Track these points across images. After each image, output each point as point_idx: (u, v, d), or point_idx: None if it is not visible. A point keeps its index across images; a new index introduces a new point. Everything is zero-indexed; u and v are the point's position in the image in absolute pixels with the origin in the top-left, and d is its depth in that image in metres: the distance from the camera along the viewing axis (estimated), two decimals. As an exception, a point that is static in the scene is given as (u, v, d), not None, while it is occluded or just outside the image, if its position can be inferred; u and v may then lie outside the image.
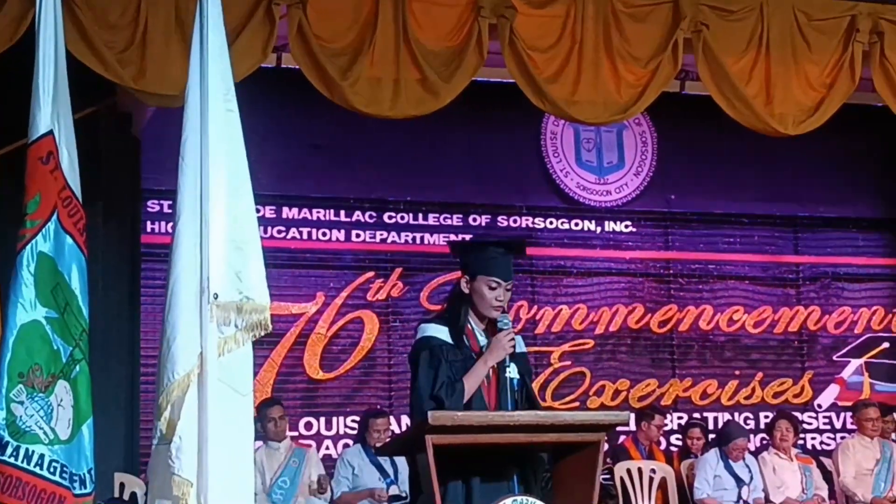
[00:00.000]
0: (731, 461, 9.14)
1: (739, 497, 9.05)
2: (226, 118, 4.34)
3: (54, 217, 4.39)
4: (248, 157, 4.40)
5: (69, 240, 4.42)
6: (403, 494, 8.51)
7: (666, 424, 10.23)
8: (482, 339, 4.94)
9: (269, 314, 4.26)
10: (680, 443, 10.46)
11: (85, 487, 4.39)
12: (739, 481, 9.08)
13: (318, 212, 10.22)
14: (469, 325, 4.96)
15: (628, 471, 9.32)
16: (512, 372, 4.84)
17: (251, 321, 4.21)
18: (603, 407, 10.49)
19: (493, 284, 4.92)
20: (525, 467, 4.81)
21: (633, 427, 9.73)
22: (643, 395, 10.82)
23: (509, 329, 4.87)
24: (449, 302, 5.12)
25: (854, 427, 10.03)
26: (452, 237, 10.38)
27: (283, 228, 10.07)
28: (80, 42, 6.56)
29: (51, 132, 4.42)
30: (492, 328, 4.94)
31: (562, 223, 10.92)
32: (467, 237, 10.40)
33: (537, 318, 10.67)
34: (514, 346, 4.85)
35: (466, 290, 4.96)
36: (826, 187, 11.49)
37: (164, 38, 6.91)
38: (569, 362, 10.71)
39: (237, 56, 5.92)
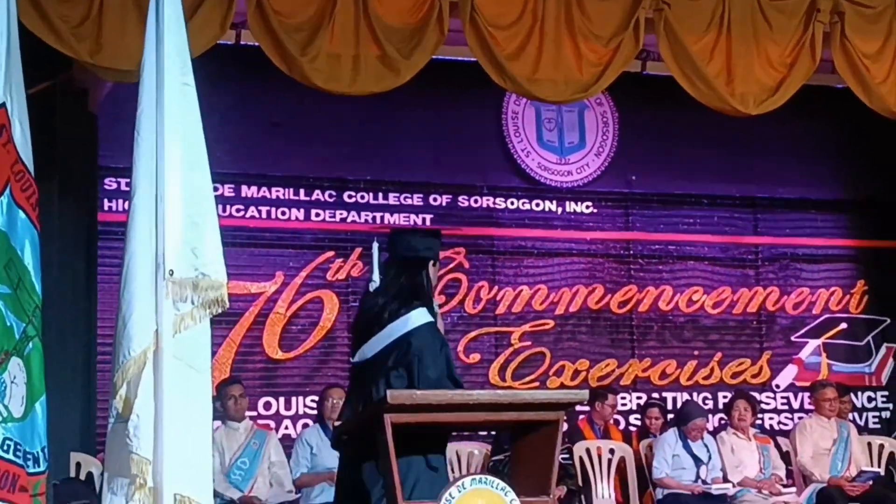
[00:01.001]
0: (689, 441, 9.17)
1: (697, 476, 9.09)
2: (182, 92, 4.28)
3: (7, 191, 4.31)
4: (207, 134, 4.35)
5: (22, 214, 4.35)
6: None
7: (619, 404, 10.22)
8: None
9: (226, 291, 4.22)
10: (639, 423, 10.50)
11: (38, 466, 4.33)
12: (698, 461, 9.12)
13: (277, 190, 10.15)
14: None
15: (587, 450, 9.34)
16: None
17: (208, 298, 4.16)
18: (562, 387, 10.51)
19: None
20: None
21: (587, 407, 9.75)
22: (602, 376, 10.85)
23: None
24: (424, 288, 5.17)
25: (811, 407, 10.09)
26: (413, 217, 10.36)
27: (241, 207, 10.00)
28: (34, 15, 6.47)
29: (3, 105, 4.34)
30: None
31: (523, 203, 10.91)
32: (428, 217, 10.39)
33: (498, 298, 10.67)
34: None
35: (432, 276, 5.12)
36: (786, 168, 11.54)
37: (120, 12, 6.82)
38: (529, 342, 10.72)
39: (195, 31, 5.86)
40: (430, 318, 5.00)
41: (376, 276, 5.20)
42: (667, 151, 11.18)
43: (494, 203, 10.82)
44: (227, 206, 9.79)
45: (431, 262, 5.13)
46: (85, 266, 9.10)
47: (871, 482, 9.15)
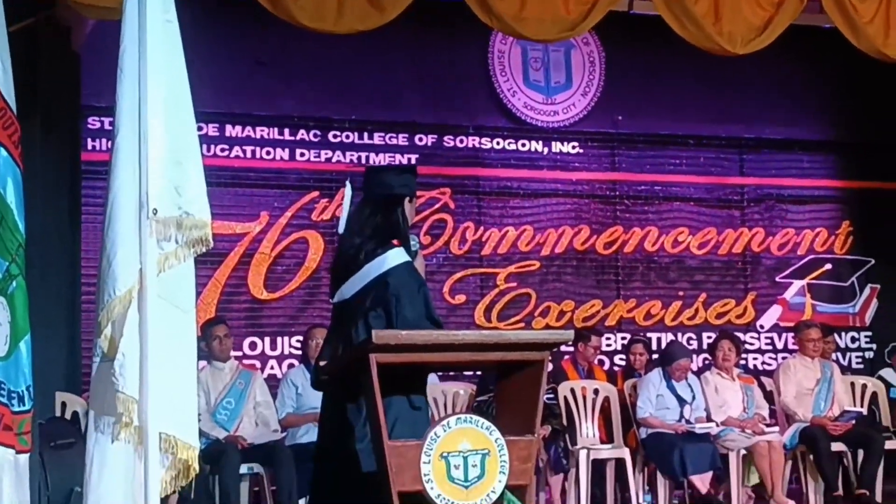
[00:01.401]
0: (673, 381, 9.22)
1: (681, 416, 9.14)
2: (165, 30, 4.22)
3: (-12, 129, 4.27)
4: (190, 74, 4.30)
5: (3, 152, 4.30)
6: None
7: (603, 345, 10.23)
8: None
9: (210, 230, 4.19)
10: (623, 362, 10.55)
11: (23, 405, 4.32)
12: (682, 401, 9.17)
13: (261, 130, 10.11)
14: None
15: (572, 390, 9.38)
16: None
17: (192, 237, 4.13)
18: (548, 328, 10.55)
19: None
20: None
21: (571, 348, 9.78)
22: (588, 316, 10.88)
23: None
24: (400, 225, 5.11)
25: (795, 347, 10.13)
26: (398, 157, 10.33)
27: (226, 147, 9.96)
28: (14, -49, 6.38)
29: (-17, 43, 4.29)
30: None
31: (508, 144, 10.89)
32: (413, 158, 10.35)
33: (483, 239, 10.67)
34: None
35: (408, 213, 5.07)
36: (772, 109, 11.52)
37: (102, -52, 6.74)
38: (514, 283, 10.74)
39: (177, -33, 5.77)
40: (406, 258, 4.96)
41: (343, 219, 5.15)
42: (653, 91, 11.14)
43: (480, 143, 10.79)
44: (212, 146, 9.75)
45: (407, 199, 5.06)
46: (68, 205, 9.06)
47: (853, 422, 9.20)
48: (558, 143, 11.01)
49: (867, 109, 11.68)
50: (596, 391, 9.46)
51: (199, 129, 4.36)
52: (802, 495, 9.25)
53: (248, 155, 10.06)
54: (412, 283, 4.92)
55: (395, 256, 4.97)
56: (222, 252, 9.67)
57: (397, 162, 10.25)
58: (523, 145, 10.92)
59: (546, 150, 10.98)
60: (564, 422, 9.15)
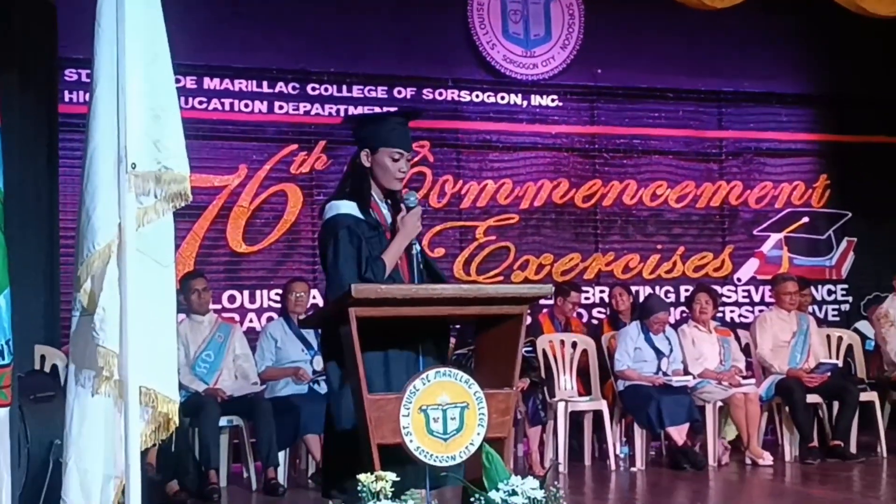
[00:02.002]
0: (651, 334, 9.27)
1: (659, 368, 9.21)
2: (142, -19, 4.19)
3: (-37, 82, 4.24)
4: (168, 25, 4.27)
5: (-20, 106, 4.29)
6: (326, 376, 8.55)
7: (581, 301, 10.28)
8: (387, 213, 4.95)
9: (189, 184, 4.18)
10: (602, 315, 10.60)
11: (3, 358, 4.32)
12: (659, 353, 9.24)
13: (239, 82, 10.07)
14: (374, 200, 4.94)
15: (550, 343, 9.43)
16: (416, 246, 4.89)
17: (171, 191, 4.13)
18: (527, 281, 10.60)
19: (396, 156, 4.94)
20: (440, 342, 4.86)
21: (549, 301, 9.82)
22: (566, 270, 10.92)
23: (418, 206, 4.88)
24: (349, 177, 5.04)
25: (772, 300, 10.21)
26: (377, 110, 10.29)
27: (204, 99, 9.91)
28: None
29: (-42, -6, 4.25)
30: (394, 201, 4.95)
31: (488, 97, 10.87)
32: (392, 111, 10.30)
33: (462, 192, 10.68)
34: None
35: (367, 164, 4.93)
36: (751, 62, 11.53)
37: None
38: (493, 237, 10.76)
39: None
40: (330, 213, 4.90)
41: None
42: (633, 45, 11.13)
43: (459, 96, 10.77)
44: (190, 99, 9.71)
45: (366, 151, 4.97)
46: (46, 158, 9.02)
47: (829, 373, 9.28)
48: (537, 97, 11.01)
49: (845, 63, 11.71)
50: (574, 344, 9.52)
51: (177, 81, 4.33)
52: (778, 446, 9.34)
53: (227, 108, 10.02)
54: (327, 242, 4.85)
55: (325, 212, 4.94)
56: (201, 205, 9.65)
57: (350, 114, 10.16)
58: (502, 98, 10.91)
59: (525, 103, 10.98)
60: (542, 374, 9.21)
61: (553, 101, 11.06)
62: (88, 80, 4.26)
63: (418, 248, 4.91)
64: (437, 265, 5.17)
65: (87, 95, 4.20)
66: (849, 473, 8.54)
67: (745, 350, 9.83)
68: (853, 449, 9.18)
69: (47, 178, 9.01)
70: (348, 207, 4.86)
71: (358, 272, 4.73)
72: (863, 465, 8.87)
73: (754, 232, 11.67)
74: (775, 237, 11.71)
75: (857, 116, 11.89)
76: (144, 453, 4.28)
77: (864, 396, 9.30)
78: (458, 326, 7.88)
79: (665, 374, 9.18)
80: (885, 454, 9.19)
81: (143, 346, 4.10)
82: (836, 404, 9.38)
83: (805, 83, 11.85)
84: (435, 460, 4.41)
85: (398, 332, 4.72)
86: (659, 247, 11.32)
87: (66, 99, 9.40)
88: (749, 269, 11.60)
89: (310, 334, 8.70)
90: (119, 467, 4.12)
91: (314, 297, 9.58)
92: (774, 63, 11.63)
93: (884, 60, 11.84)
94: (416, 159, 10.29)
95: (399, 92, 10.53)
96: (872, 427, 9.34)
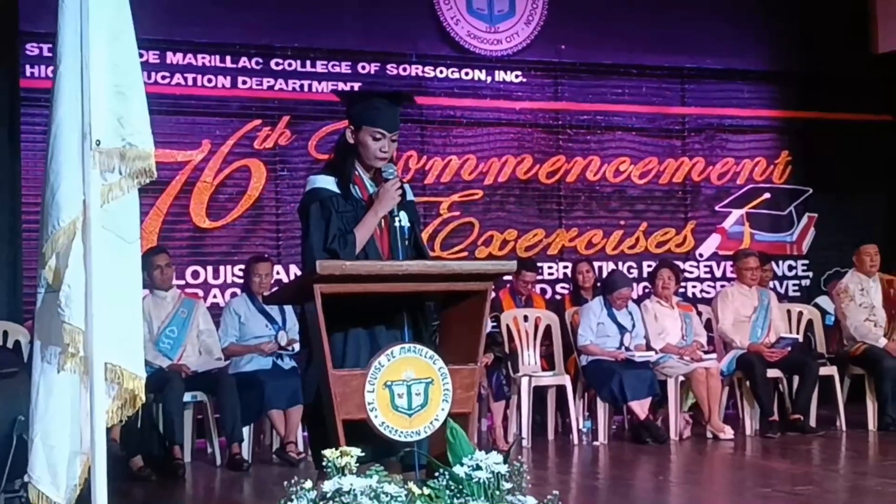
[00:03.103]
0: (614, 309, 9.33)
1: (622, 344, 9.27)
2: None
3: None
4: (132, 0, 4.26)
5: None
6: (290, 349, 8.56)
7: (536, 279, 10.26)
8: (371, 188, 4.94)
9: (154, 161, 4.18)
10: (566, 291, 10.65)
11: (-34, 336, 4.32)
12: (622, 329, 9.30)
13: (203, 57, 10.01)
14: (357, 174, 4.94)
15: (514, 318, 9.47)
16: (402, 220, 4.87)
17: (135, 168, 4.12)
18: (491, 257, 10.62)
19: (378, 135, 4.92)
20: (416, 317, 4.86)
21: (509, 278, 9.84)
22: (530, 245, 10.96)
23: (396, 179, 4.87)
24: (335, 152, 5.10)
25: (734, 276, 10.29)
26: (341, 85, 10.27)
27: (167, 74, 9.86)
28: None
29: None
30: (379, 177, 4.94)
31: (452, 72, 10.87)
32: (356, 86, 10.30)
33: (426, 168, 10.68)
34: (402, 196, 4.86)
35: (352, 140, 4.95)
36: (714, 39, 11.59)
37: None
38: (458, 213, 10.78)
39: None
40: (313, 184, 4.91)
41: None
42: (596, 21, 11.17)
43: (423, 72, 10.76)
44: (153, 74, 9.65)
45: (352, 129, 4.99)
46: (8, 133, 8.97)
47: (789, 348, 9.37)
48: (501, 73, 11.02)
49: (807, 40, 11.78)
50: (538, 319, 9.57)
51: (140, 56, 4.30)
52: (739, 420, 9.44)
53: (190, 83, 9.96)
54: (302, 213, 4.88)
55: (305, 187, 4.96)
56: (164, 180, 9.59)
57: (339, 89, 10.16)
58: (466, 74, 10.91)
59: (489, 79, 10.99)
60: (506, 349, 9.26)
61: (517, 77, 11.07)
62: (51, 55, 4.24)
63: (405, 223, 4.90)
64: (423, 242, 5.15)
65: (49, 70, 4.18)
66: (808, 447, 8.64)
67: (707, 325, 9.91)
68: (813, 423, 9.28)
69: (9, 153, 8.96)
70: (325, 182, 4.88)
71: (324, 245, 4.75)
72: (822, 438, 8.97)
73: (716, 208, 11.74)
74: (737, 213, 11.79)
75: (818, 93, 11.97)
76: (109, 429, 4.28)
77: (823, 371, 9.40)
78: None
79: (628, 349, 9.25)
80: (843, 428, 9.30)
81: (108, 322, 4.10)
82: (796, 379, 9.48)
83: (767, 60, 11.91)
84: (399, 435, 4.44)
85: (382, 309, 4.74)
86: (622, 222, 11.37)
87: (28, 73, 9.32)
88: (711, 244, 11.68)
89: (274, 310, 8.71)
90: (85, 444, 4.13)
91: (277, 273, 9.58)
92: (737, 40, 11.69)
93: (845, 37, 11.93)
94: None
95: (363, 67, 10.52)
96: (832, 401, 9.44)
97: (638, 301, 9.79)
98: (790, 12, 11.67)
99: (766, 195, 11.90)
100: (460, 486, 4.18)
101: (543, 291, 10.76)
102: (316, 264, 4.38)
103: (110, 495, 4.10)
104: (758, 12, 11.70)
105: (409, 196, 5.04)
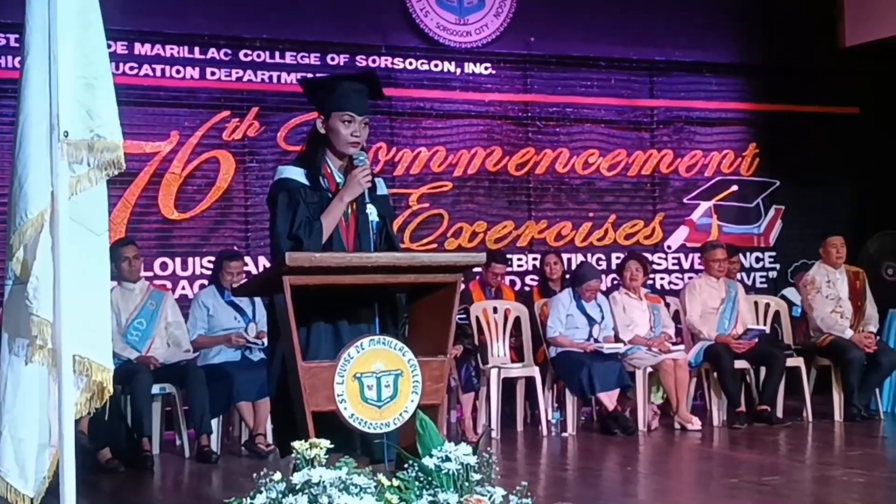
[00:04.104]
0: (583, 301, 9.36)
1: (590, 335, 9.31)
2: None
3: None
4: (99, -10, 4.24)
5: None
6: (259, 342, 8.55)
7: (505, 272, 10.27)
8: (340, 179, 4.89)
9: (123, 153, 4.16)
10: (535, 283, 10.67)
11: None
12: (591, 320, 9.33)
13: (171, 48, 9.96)
14: (327, 166, 4.90)
15: (484, 310, 9.49)
16: (372, 214, 4.84)
17: (104, 160, 4.11)
18: (460, 249, 10.64)
19: (347, 118, 4.85)
20: (384, 310, 4.86)
21: (479, 269, 9.85)
22: (499, 237, 10.98)
23: (365, 165, 4.83)
24: (306, 144, 5.06)
25: (702, 268, 10.33)
26: (310, 77, 10.24)
27: (135, 65, 9.80)
28: None
29: None
30: (350, 167, 4.91)
31: (421, 64, 10.86)
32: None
33: (396, 159, 10.68)
34: (370, 182, 4.81)
35: (322, 130, 4.89)
36: (682, 32, 11.63)
37: None
38: (427, 204, 10.78)
39: None
40: (281, 175, 4.87)
41: None
42: (566, 13, 11.18)
43: (393, 63, 10.75)
44: (120, 64, 9.60)
45: (320, 117, 4.94)
46: (-26, 124, 8.90)
47: (756, 340, 9.42)
48: (471, 64, 11.02)
49: (775, 33, 11.85)
50: (507, 311, 9.59)
51: (108, 46, 4.27)
52: (706, 411, 9.49)
53: (158, 74, 9.91)
54: (269, 202, 4.86)
55: (276, 173, 4.93)
56: (132, 172, 9.54)
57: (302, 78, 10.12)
58: (436, 66, 10.91)
59: (459, 70, 10.99)
60: (476, 341, 9.27)
61: (486, 69, 11.08)
62: (17, 45, 4.22)
63: (375, 217, 4.86)
64: (395, 236, 5.10)
65: (16, 60, 4.16)
66: (775, 437, 8.70)
67: (675, 317, 9.96)
68: (780, 413, 9.34)
69: (-25, 144, 8.90)
70: (294, 173, 4.84)
71: (289, 233, 4.72)
72: (789, 429, 9.03)
73: (684, 200, 11.79)
74: (705, 205, 11.84)
75: (785, 86, 12.05)
76: (77, 421, 4.26)
77: (790, 362, 9.46)
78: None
79: (597, 340, 9.28)
80: (810, 418, 9.37)
81: (76, 314, 4.09)
82: (763, 370, 9.54)
83: (735, 53, 11.97)
84: (369, 427, 4.44)
85: (352, 301, 4.73)
86: (591, 214, 11.40)
87: (-6, 64, 9.27)
88: (679, 236, 11.74)
89: (243, 302, 8.69)
90: (54, 436, 4.12)
91: (246, 265, 9.56)
92: (705, 33, 11.75)
93: (813, 30, 12.01)
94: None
95: (332, 59, 10.49)
96: (798, 392, 9.51)
97: (606, 293, 9.82)
98: (758, 5, 11.74)
99: (734, 187, 11.96)
100: (430, 478, 4.19)
101: (513, 283, 10.78)
102: (285, 255, 4.36)
103: (78, 488, 4.09)
104: (726, 5, 11.76)
105: (382, 190, 5.00)
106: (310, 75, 10.13)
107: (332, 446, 4.12)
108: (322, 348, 4.63)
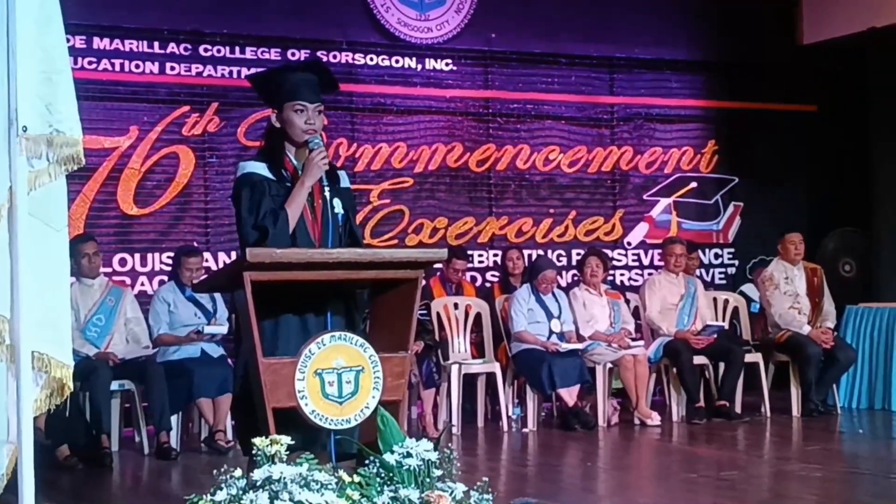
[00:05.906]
0: (541, 294, 9.39)
1: (550, 329, 9.33)
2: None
3: None
4: (58, -17, 4.21)
5: None
6: (218, 336, 8.52)
7: (466, 267, 10.27)
8: (300, 170, 4.88)
9: (82, 148, 4.13)
10: (496, 279, 10.69)
11: None
12: (549, 314, 9.36)
13: (130, 43, 9.89)
14: (287, 158, 4.89)
15: (445, 306, 9.50)
16: (336, 207, 4.84)
17: (63, 155, 4.08)
18: (421, 244, 10.63)
19: (299, 107, 4.84)
20: (347, 305, 4.85)
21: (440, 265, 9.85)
22: (460, 233, 10.99)
23: (321, 147, 4.81)
24: (265, 138, 5.05)
25: (661, 263, 10.39)
26: (256, 71, 10.20)
27: (94, 60, 9.73)
28: None
29: None
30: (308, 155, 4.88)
31: (382, 60, 10.85)
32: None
33: (357, 155, 10.66)
34: (327, 165, 4.80)
35: (277, 123, 4.89)
36: (642, 29, 11.68)
37: None
38: (388, 200, 10.77)
39: None
40: (243, 170, 4.85)
41: None
42: (526, 10, 11.21)
43: (353, 59, 10.73)
44: (79, 59, 9.52)
45: (273, 111, 4.93)
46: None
47: (715, 335, 9.49)
48: (432, 60, 11.02)
49: (734, 31, 11.92)
50: (468, 307, 9.61)
51: (67, 41, 4.24)
52: (665, 407, 9.54)
53: (117, 68, 9.85)
54: (234, 195, 4.85)
55: (238, 168, 4.92)
56: (91, 167, 9.47)
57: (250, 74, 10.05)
58: (397, 62, 10.90)
59: (420, 66, 10.98)
60: (437, 337, 9.28)
61: (447, 65, 11.08)
62: (-25, 40, 4.17)
63: (339, 210, 4.86)
64: (359, 231, 5.10)
65: (-25, 55, 4.10)
66: (734, 433, 8.77)
67: (635, 312, 10.01)
68: (738, 409, 9.41)
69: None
70: (255, 167, 4.83)
71: (255, 223, 4.70)
72: (747, 424, 9.10)
73: (644, 196, 11.84)
74: (664, 202, 11.90)
75: (744, 83, 12.13)
76: (35, 418, 4.23)
77: (749, 358, 9.53)
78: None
79: (557, 334, 9.31)
80: (768, 414, 9.45)
81: (35, 310, 4.05)
82: (721, 365, 9.60)
83: (695, 50, 12.03)
84: (330, 423, 4.44)
85: (313, 296, 4.72)
86: (551, 211, 11.44)
87: (-49, 57, 9.17)
88: (639, 233, 11.78)
89: (204, 298, 8.66)
90: (12, 433, 4.08)
91: (206, 261, 9.51)
92: (665, 30, 11.81)
93: (772, 28, 12.10)
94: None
95: (293, 54, 10.46)
96: (757, 387, 9.58)
97: (567, 289, 9.85)
98: (718, 3, 11.82)
99: (693, 184, 12.03)
100: (391, 474, 4.19)
101: (473, 279, 10.80)
102: (246, 252, 4.35)
103: (37, 485, 4.06)
104: (686, 3, 11.83)
105: (345, 183, 5.01)
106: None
107: (293, 443, 4.11)
108: (292, 341, 4.62)
